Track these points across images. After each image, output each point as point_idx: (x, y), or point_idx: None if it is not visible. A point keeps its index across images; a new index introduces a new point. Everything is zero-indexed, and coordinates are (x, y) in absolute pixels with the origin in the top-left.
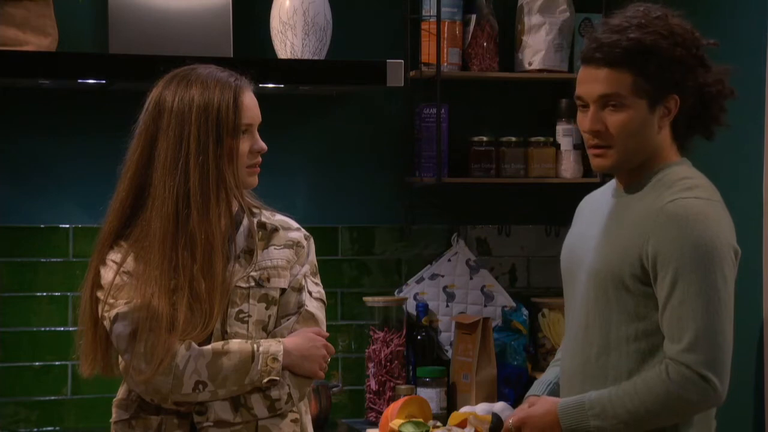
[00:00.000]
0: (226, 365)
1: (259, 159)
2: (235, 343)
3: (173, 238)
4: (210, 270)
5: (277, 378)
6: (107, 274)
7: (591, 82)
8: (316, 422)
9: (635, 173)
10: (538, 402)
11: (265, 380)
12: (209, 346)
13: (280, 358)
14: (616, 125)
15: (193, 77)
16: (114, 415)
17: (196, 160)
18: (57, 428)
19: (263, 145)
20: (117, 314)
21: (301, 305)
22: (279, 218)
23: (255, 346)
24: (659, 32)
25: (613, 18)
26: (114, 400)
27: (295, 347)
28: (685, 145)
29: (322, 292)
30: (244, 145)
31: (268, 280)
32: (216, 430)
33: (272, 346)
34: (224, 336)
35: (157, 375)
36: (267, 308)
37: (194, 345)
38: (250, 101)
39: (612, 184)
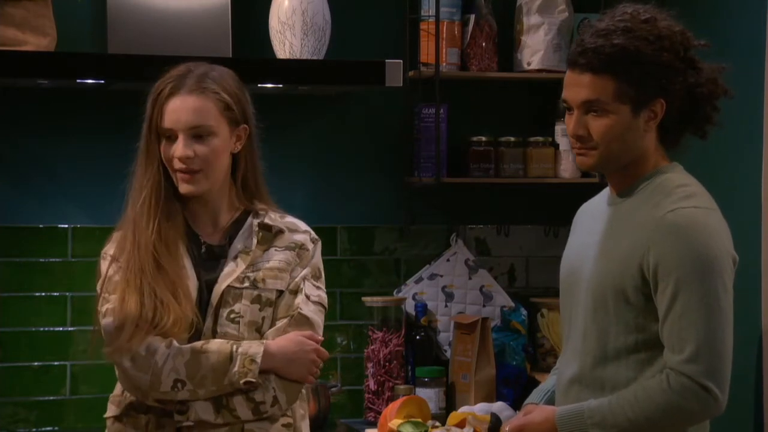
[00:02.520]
0: (204, 364)
1: (182, 166)
2: (215, 343)
3: (133, 237)
4: (160, 273)
5: (254, 380)
6: (103, 269)
7: (575, 86)
8: (315, 422)
9: (626, 177)
10: (536, 410)
11: (242, 381)
12: (189, 345)
13: (258, 360)
14: (599, 130)
15: (168, 74)
16: (108, 411)
17: (143, 160)
18: (56, 428)
19: (178, 152)
20: (107, 309)
21: (295, 308)
22: (288, 220)
23: (234, 346)
24: (645, 37)
25: (601, 20)
26: (110, 395)
27: (280, 350)
28: (675, 146)
29: (324, 296)
30: (167, 150)
31: (264, 281)
32: (198, 431)
33: (252, 347)
34: (215, 336)
35: (135, 371)
36: (261, 310)
37: (175, 343)
38: (173, 105)
39: (606, 191)
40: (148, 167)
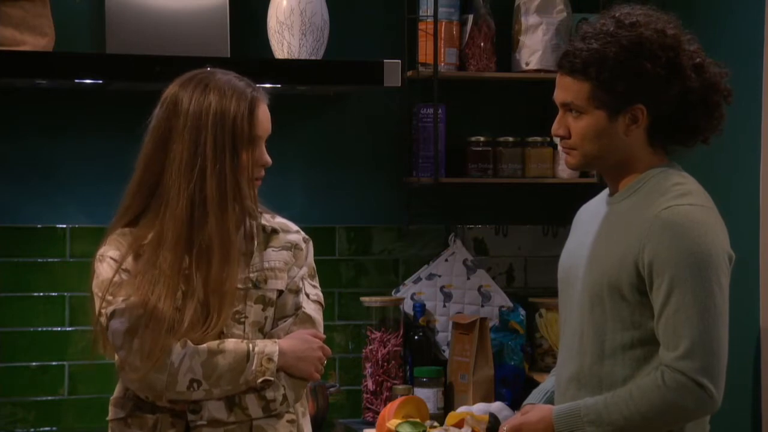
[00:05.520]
0: (221, 364)
1: (263, 172)
2: (230, 343)
3: (187, 243)
4: (223, 278)
5: (272, 378)
6: (105, 271)
7: (558, 87)
8: (314, 422)
9: (618, 176)
10: (533, 410)
11: (260, 380)
12: (205, 345)
13: (275, 359)
14: (576, 131)
15: (211, 82)
16: (110, 414)
17: (213, 168)
18: (54, 428)
19: (268, 159)
20: (114, 311)
21: (298, 307)
22: (279, 221)
23: (250, 345)
24: (622, 43)
25: (590, 24)
26: (111, 398)
27: (291, 348)
28: (666, 150)
29: (320, 294)
30: (250, 157)
31: (265, 281)
32: (210, 429)
33: (268, 346)
34: (220, 336)
35: (152, 372)
36: (264, 309)
37: (190, 343)
38: (263, 114)
39: (605, 191)
40: (241, 172)
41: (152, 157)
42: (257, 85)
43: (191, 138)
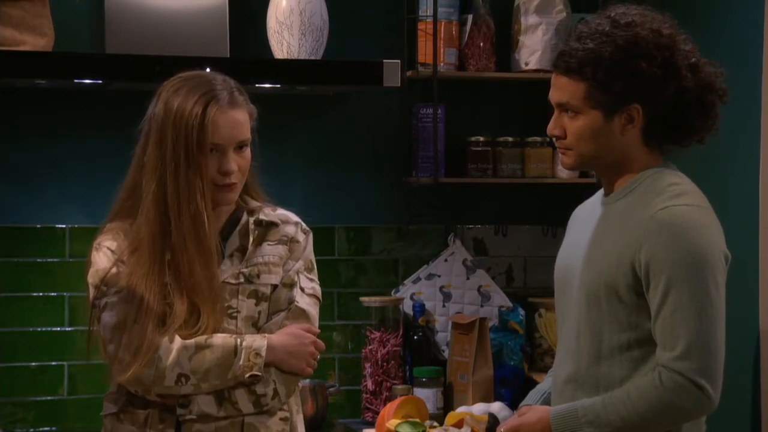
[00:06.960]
0: (208, 359)
1: (229, 180)
2: (218, 337)
3: (161, 243)
4: (196, 281)
5: (259, 373)
6: (101, 261)
7: (554, 87)
8: (313, 422)
9: (614, 176)
10: (530, 411)
11: (247, 375)
12: (192, 340)
13: (263, 354)
14: (572, 131)
15: (186, 84)
16: (104, 409)
17: (171, 170)
18: (53, 428)
19: (231, 167)
20: (106, 303)
21: (291, 301)
22: (279, 212)
23: (238, 340)
24: (617, 42)
25: (586, 23)
26: (106, 393)
27: (281, 343)
28: (661, 150)
29: (317, 288)
30: (212, 164)
31: (258, 276)
32: (200, 424)
33: (256, 341)
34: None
35: (140, 367)
36: (257, 304)
37: (178, 338)
38: (224, 120)
39: (600, 192)
40: (193, 178)
41: (137, 159)
42: (238, 90)
43: (156, 140)
